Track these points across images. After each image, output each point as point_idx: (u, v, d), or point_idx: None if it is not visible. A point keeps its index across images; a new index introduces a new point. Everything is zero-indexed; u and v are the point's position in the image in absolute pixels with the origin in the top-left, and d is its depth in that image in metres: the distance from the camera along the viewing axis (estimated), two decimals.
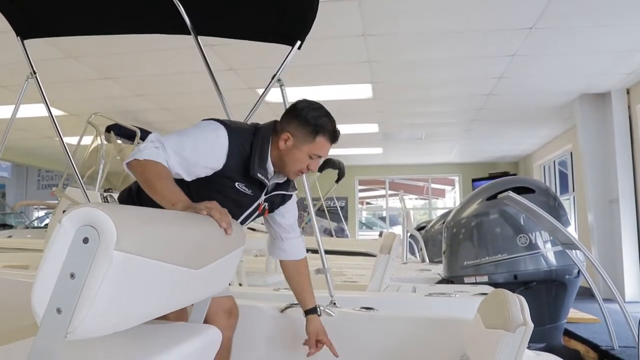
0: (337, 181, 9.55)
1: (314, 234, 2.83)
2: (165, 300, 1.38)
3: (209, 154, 1.99)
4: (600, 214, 7.59)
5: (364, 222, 15.83)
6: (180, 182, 1.95)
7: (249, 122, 2.31)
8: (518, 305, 1.89)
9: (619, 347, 3.99)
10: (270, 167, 2.12)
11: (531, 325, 1.81)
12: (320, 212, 10.91)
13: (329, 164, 9.10)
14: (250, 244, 4.96)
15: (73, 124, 6.62)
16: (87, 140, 6.19)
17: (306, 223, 12.90)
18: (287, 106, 2.23)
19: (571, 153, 9.91)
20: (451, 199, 15.59)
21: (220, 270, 1.77)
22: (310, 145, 2.07)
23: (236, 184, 2.07)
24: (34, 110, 5.77)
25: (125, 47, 5.60)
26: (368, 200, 16.41)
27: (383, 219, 15.56)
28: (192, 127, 2.05)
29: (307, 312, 2.37)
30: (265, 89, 2.74)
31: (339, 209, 11.91)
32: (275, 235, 2.41)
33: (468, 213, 4.38)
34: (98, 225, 1.03)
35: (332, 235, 10.71)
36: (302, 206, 13.46)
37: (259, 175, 2.06)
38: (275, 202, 2.29)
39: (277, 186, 2.23)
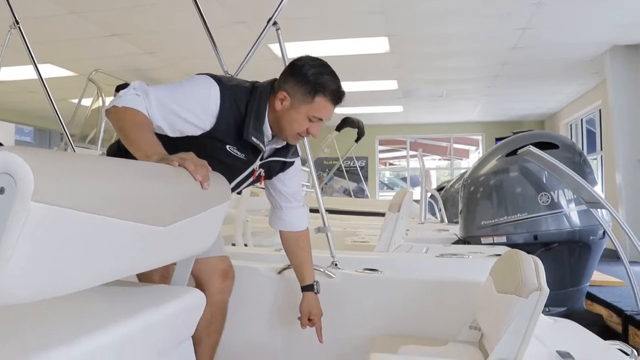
0: (356, 140, 9.33)
1: (314, 190, 2.63)
2: (116, 261, 1.21)
3: (197, 111, 1.81)
4: (629, 173, 7.28)
5: (385, 182, 15.63)
6: (167, 140, 1.80)
7: (247, 79, 2.11)
8: (533, 268, 1.71)
9: None
10: (267, 130, 1.93)
11: (546, 290, 1.63)
12: (339, 172, 10.75)
13: (348, 122, 8.89)
14: (260, 203, 4.81)
15: (81, 84, 6.47)
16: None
17: (326, 184, 12.79)
18: (286, 55, 2.02)
19: (600, 110, 9.53)
20: (475, 159, 15.25)
21: (197, 228, 1.61)
22: (309, 106, 1.87)
23: (227, 146, 1.90)
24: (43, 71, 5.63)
25: (130, 1, 5.38)
26: (391, 161, 16.18)
27: (404, 179, 15.34)
28: (184, 80, 1.87)
29: (304, 289, 2.22)
30: (261, 33, 2.52)
31: (358, 169, 11.74)
32: (274, 203, 2.23)
33: (486, 170, 4.14)
34: (15, 173, 0.87)
35: (350, 196, 10.56)
36: (321, 166, 13.43)
37: (253, 139, 1.88)
38: (274, 169, 2.11)
39: (276, 151, 2.05)
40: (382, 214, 6.57)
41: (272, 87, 1.93)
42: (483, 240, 3.96)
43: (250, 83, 1.96)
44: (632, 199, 7.20)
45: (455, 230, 4.64)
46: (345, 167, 10.42)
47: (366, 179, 13.59)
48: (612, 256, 5.34)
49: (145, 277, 2.04)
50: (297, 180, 2.22)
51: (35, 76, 3.18)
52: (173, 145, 1.83)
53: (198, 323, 1.84)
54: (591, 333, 2.02)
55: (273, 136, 1.97)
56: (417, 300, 2.26)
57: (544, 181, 3.87)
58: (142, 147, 1.61)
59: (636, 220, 6.88)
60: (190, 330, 1.78)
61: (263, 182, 2.16)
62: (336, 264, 2.42)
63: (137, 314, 1.43)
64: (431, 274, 2.47)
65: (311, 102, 1.85)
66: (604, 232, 3.87)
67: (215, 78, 1.86)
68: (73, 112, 5.75)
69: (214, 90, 1.82)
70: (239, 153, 1.92)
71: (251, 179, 2.07)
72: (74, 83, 7.83)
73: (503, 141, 4.32)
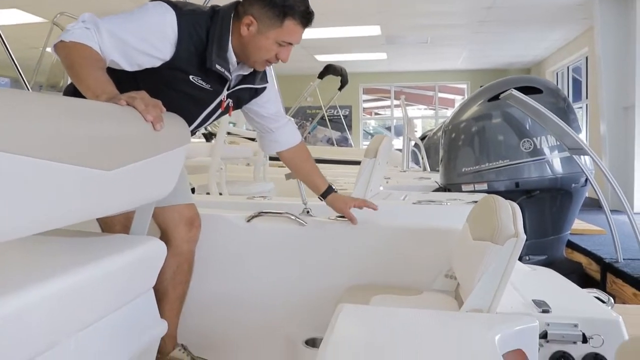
0: (339, 89, 9.12)
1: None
2: (56, 207, 1.10)
3: (153, 40, 1.69)
4: (614, 121, 7.22)
5: (370, 131, 15.51)
6: (127, 75, 1.69)
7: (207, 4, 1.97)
8: (510, 214, 1.63)
9: (623, 259, 3.75)
10: (232, 57, 1.81)
11: (523, 236, 1.55)
12: (322, 121, 10.61)
13: (331, 70, 8.65)
14: (237, 151, 4.70)
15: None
16: None
17: (309, 133, 12.65)
18: None
19: (587, 58, 9.42)
20: None
21: (151, 173, 1.49)
22: (277, 31, 1.76)
23: (191, 77, 1.78)
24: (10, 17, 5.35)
25: None
26: (376, 111, 16.01)
27: (389, 129, 15.23)
28: (136, 8, 1.72)
29: (325, 195, 2.20)
30: None
31: (342, 117, 11.59)
32: (262, 128, 2.16)
33: (468, 116, 4.03)
34: None
35: (333, 145, 10.44)
36: (304, 115, 13.26)
37: (217, 67, 1.77)
38: (243, 98, 2.01)
39: (243, 79, 1.93)
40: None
41: (235, 11, 1.80)
42: (464, 187, 3.89)
43: (210, 7, 1.83)
44: (616, 148, 7.16)
45: (437, 178, 4.56)
46: (328, 116, 10.29)
47: (350, 128, 13.46)
48: (593, 205, 5.33)
49: (107, 227, 1.94)
50: (275, 99, 2.15)
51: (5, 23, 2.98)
52: (133, 80, 1.72)
53: (163, 274, 1.76)
54: (569, 281, 1.96)
55: (238, 63, 1.86)
56: (392, 249, 2.18)
57: (527, 127, 3.77)
58: (91, 85, 1.49)
59: (619, 169, 6.85)
60: (150, 282, 1.69)
61: (232, 113, 2.06)
62: (308, 212, 2.33)
63: (91, 264, 1.35)
64: (407, 221, 2.38)
65: (280, 26, 1.75)
66: (586, 180, 3.81)
67: (170, 3, 1.73)
68: (38, 59, 5.50)
69: (170, 17, 1.69)
70: (204, 84, 1.81)
71: (220, 111, 1.97)
72: (45, 30, 7.53)
73: (485, 86, 4.19)
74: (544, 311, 1.56)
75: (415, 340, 1.28)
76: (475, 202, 2.76)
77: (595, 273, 4.00)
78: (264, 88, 2.04)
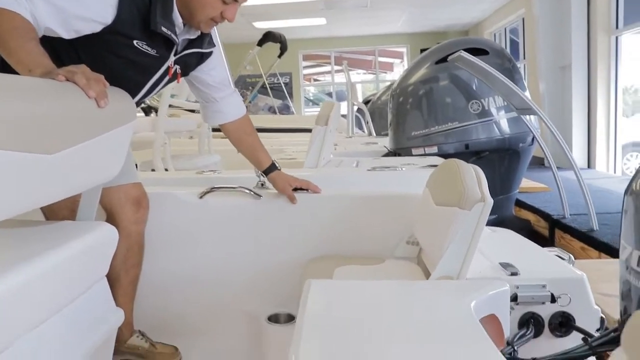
0: (279, 56, 8.96)
1: None
2: None
3: (89, 3, 1.54)
4: (552, 80, 7.39)
5: (310, 98, 15.40)
6: (66, 45, 1.56)
7: None
8: (474, 177, 1.59)
9: (570, 215, 3.84)
10: (177, 18, 1.69)
11: (490, 201, 1.52)
12: (263, 90, 10.42)
13: (270, 37, 8.47)
14: (180, 124, 4.53)
15: None
16: None
17: (250, 102, 12.43)
18: None
19: (523, 19, 9.54)
20: (399, 72, 15.17)
21: (97, 154, 1.38)
22: None
23: (135, 42, 1.64)
24: None
25: None
26: (315, 77, 15.88)
27: (330, 94, 15.15)
28: None
29: (268, 172, 2.14)
30: None
31: (282, 85, 11.43)
32: (206, 98, 2.05)
33: (415, 79, 4.00)
34: None
35: (275, 113, 10.30)
36: (244, 84, 12.96)
37: (163, 29, 1.64)
38: (190, 63, 1.89)
39: (190, 43, 1.81)
40: (309, 130, 6.43)
41: None
42: (414, 151, 3.88)
43: None
44: (554, 106, 7.33)
45: (385, 142, 4.54)
46: (269, 84, 10.10)
47: (291, 95, 13.31)
48: (537, 163, 5.44)
49: (52, 214, 1.80)
50: (221, 68, 2.03)
51: None
52: (72, 48, 1.59)
53: (114, 259, 1.65)
54: (529, 241, 1.98)
55: (184, 25, 1.74)
56: (351, 218, 2.13)
57: (474, 89, 3.78)
58: (23, 58, 1.35)
59: (558, 127, 6.98)
60: (103, 269, 1.59)
61: (181, 80, 1.94)
62: (263, 184, 2.24)
63: (38, 255, 1.23)
64: (363, 188, 2.33)
65: None
66: (533, 139, 3.86)
67: None
68: None
69: None
70: (149, 49, 1.68)
71: (167, 78, 1.85)
72: None
73: (432, 48, 4.17)
74: (513, 274, 1.55)
75: (391, 312, 1.23)
76: (431, 166, 2.75)
77: (543, 230, 4.09)
78: (211, 52, 1.92)
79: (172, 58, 1.78)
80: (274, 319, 2.12)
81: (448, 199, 1.57)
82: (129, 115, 1.53)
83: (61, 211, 1.77)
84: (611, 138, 6.88)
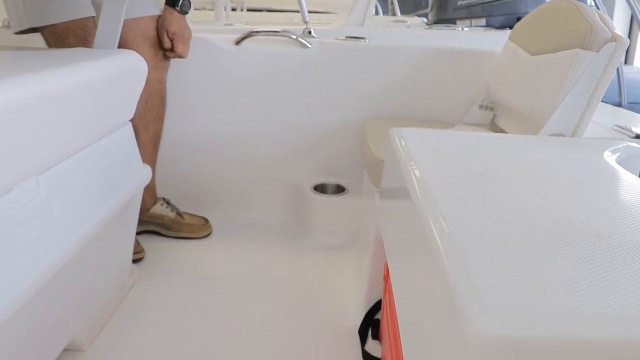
0: None
1: None
2: None
3: None
4: None
5: None
6: None
7: None
8: (596, 15, 1.27)
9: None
10: None
11: (626, 40, 1.20)
12: None
13: None
14: None
15: None
16: None
17: None
18: None
19: None
20: None
21: None
22: None
23: None
24: None
25: None
26: None
27: None
28: None
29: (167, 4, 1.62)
30: None
31: None
32: None
33: None
34: None
35: None
36: None
37: None
38: None
39: None
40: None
41: None
42: (459, 23, 3.46)
43: None
44: None
45: (414, 21, 4.09)
46: None
47: None
48: None
49: (57, 40, 1.46)
50: None
51: None
52: None
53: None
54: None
55: None
56: (415, 76, 1.80)
57: None
58: None
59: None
60: (129, 110, 1.28)
61: None
62: (310, 32, 1.88)
63: (65, 70, 0.94)
64: (426, 42, 1.95)
65: None
66: None
67: None
68: None
69: None
70: None
71: None
72: None
73: None
74: (638, 137, 1.27)
75: (521, 166, 0.89)
76: (493, 28, 2.37)
77: None
78: None
79: None
80: (320, 189, 1.85)
81: (560, 43, 1.26)
82: None
83: (68, 38, 1.44)
84: None
